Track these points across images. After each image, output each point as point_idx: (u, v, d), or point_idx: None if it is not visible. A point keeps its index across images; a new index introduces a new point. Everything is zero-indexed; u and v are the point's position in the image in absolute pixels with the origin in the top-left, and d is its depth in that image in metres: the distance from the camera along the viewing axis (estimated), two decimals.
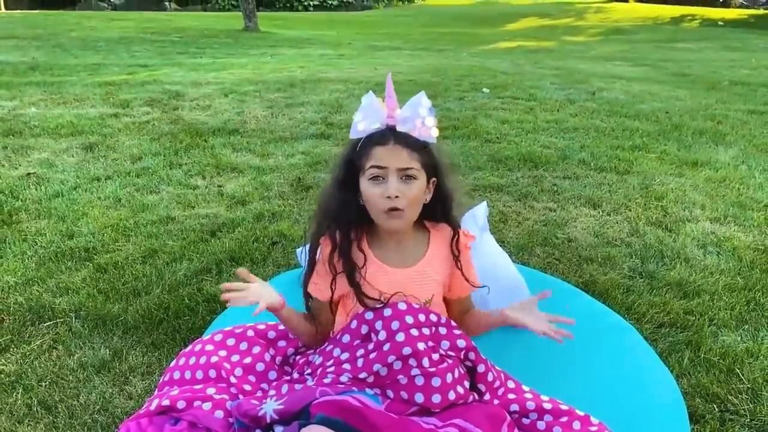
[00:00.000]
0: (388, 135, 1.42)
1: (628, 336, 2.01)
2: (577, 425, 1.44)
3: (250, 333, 1.75)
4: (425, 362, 1.38)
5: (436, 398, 1.37)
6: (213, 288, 2.49)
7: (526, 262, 2.72)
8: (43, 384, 1.95)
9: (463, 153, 4.16)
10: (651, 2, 28.33)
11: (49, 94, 5.81)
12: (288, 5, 22.06)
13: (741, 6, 28.40)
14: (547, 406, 1.47)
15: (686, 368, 2.08)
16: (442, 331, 1.48)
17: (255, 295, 1.42)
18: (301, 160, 4.06)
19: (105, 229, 3.02)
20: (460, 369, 1.46)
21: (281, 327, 1.79)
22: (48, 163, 3.94)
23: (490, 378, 1.49)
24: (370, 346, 1.43)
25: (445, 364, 1.42)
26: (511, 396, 1.50)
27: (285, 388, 1.47)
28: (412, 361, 1.38)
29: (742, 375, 2.03)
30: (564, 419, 1.45)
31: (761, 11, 24.36)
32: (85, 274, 2.60)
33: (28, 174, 3.73)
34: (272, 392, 1.45)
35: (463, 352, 1.48)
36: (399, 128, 1.42)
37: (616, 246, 2.93)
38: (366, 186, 1.43)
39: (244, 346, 1.69)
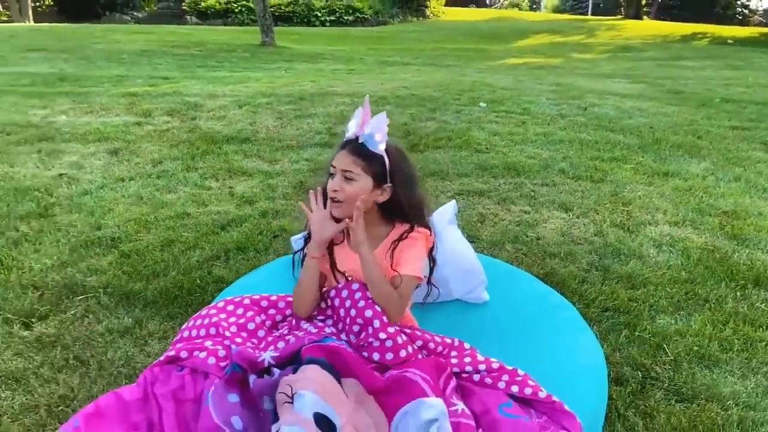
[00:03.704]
0: (349, 142, 1.77)
1: (567, 313, 2.36)
2: (505, 377, 1.79)
3: (246, 301, 2.13)
4: (376, 323, 1.75)
5: (389, 356, 1.73)
6: (221, 271, 2.89)
7: (495, 256, 3.08)
8: (78, 344, 2.35)
9: (453, 161, 4.54)
10: (667, 19, 28.63)
11: (77, 103, 6.29)
12: (305, 20, 22.61)
13: (759, 24, 28.54)
14: (482, 367, 1.79)
15: (621, 344, 2.42)
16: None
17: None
18: (305, 166, 4.47)
19: (128, 222, 3.43)
20: (403, 336, 1.81)
21: (273, 298, 2.18)
22: (77, 165, 4.39)
23: (431, 346, 1.84)
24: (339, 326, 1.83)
25: (393, 330, 1.79)
26: (453, 360, 1.83)
27: (281, 344, 1.85)
28: (369, 330, 1.75)
29: (668, 350, 2.38)
30: (495, 373, 1.81)
31: None
32: (111, 259, 3.01)
33: (61, 174, 4.17)
34: (271, 348, 1.83)
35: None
36: (361, 139, 1.75)
37: (580, 244, 3.28)
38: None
39: (240, 311, 2.07)
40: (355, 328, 1.77)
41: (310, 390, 1.49)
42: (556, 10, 40.36)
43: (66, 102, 6.36)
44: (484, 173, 4.31)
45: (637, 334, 2.48)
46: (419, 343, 1.81)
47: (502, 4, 47.17)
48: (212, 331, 1.98)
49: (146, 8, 24.07)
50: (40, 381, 2.14)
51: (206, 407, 1.69)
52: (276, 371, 1.67)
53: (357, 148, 1.76)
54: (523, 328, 2.24)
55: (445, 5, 29.00)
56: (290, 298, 2.17)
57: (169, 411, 1.73)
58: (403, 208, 1.86)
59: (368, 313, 1.76)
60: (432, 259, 2.00)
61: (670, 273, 2.97)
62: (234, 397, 1.66)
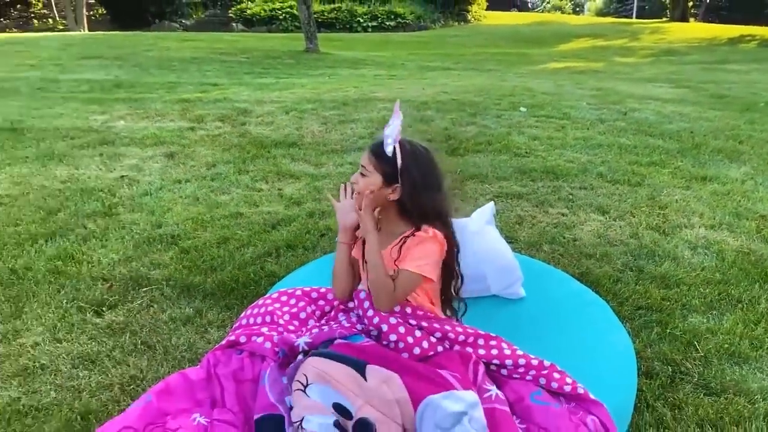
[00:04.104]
0: (374, 143, 1.94)
1: (600, 309, 2.48)
2: (532, 373, 1.88)
3: (298, 292, 2.33)
4: (384, 327, 1.90)
5: (405, 355, 1.87)
6: (273, 267, 3.10)
7: (532, 256, 3.21)
8: (144, 330, 2.58)
9: (492, 165, 4.68)
10: (716, 21, 28.02)
11: (133, 109, 6.64)
12: (347, 26, 22.93)
13: None
14: (509, 362, 1.90)
15: (653, 340, 2.53)
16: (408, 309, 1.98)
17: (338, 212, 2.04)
18: (349, 169, 4.66)
19: (186, 221, 3.67)
20: (416, 333, 1.92)
21: (322, 290, 2.36)
22: (137, 167, 4.68)
23: (451, 336, 1.94)
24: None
25: (403, 330, 1.91)
26: (481, 351, 1.94)
27: (315, 330, 2.03)
28: (381, 332, 1.91)
29: (699, 347, 2.48)
30: (521, 369, 1.90)
31: None
32: (172, 254, 3.25)
33: (122, 176, 4.46)
34: (307, 334, 2.01)
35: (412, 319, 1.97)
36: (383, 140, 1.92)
37: (615, 246, 3.38)
38: None
39: (292, 301, 2.26)
40: (374, 332, 1.94)
41: (323, 382, 1.65)
42: (600, 13, 39.91)
43: (123, 108, 6.72)
44: (523, 176, 4.43)
45: (668, 331, 2.58)
46: (438, 335, 1.93)
47: (544, 8, 46.86)
48: (268, 318, 2.18)
49: (194, 16, 24.75)
50: (113, 363, 2.36)
51: (263, 387, 1.89)
52: (300, 357, 1.85)
53: (376, 147, 1.91)
54: (557, 322, 2.37)
55: (486, 9, 29.00)
56: None
57: (230, 389, 1.93)
58: (407, 209, 1.96)
59: (375, 320, 1.91)
60: (452, 262, 2.04)
61: (704, 274, 3.06)
62: (286, 380, 1.85)
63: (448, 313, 2.14)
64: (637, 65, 13.11)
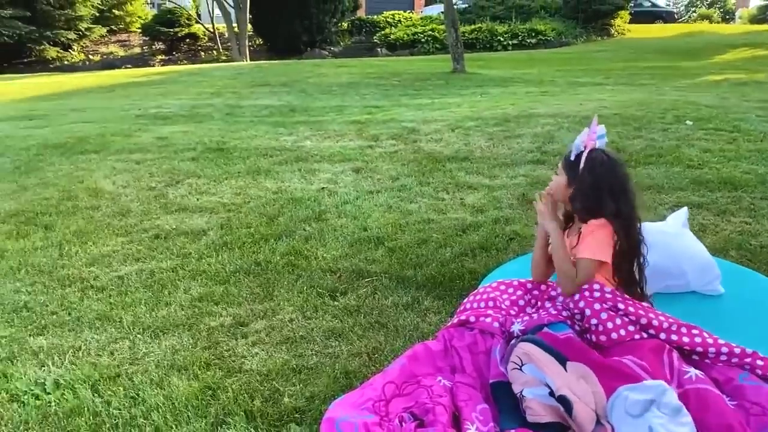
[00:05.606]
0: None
1: None
2: (735, 360, 2.08)
3: (515, 282, 2.70)
4: (587, 312, 2.20)
5: (602, 338, 2.16)
6: (471, 265, 3.49)
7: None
8: (374, 312, 3.04)
9: (666, 176, 4.80)
10: None
11: (315, 130, 7.39)
12: (488, 46, 23.30)
13: None
14: (711, 350, 2.11)
15: None
16: (608, 295, 2.26)
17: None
18: (523, 181, 4.99)
19: (386, 225, 4.17)
20: (617, 320, 2.19)
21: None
22: (332, 180, 5.30)
23: (655, 323, 2.19)
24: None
25: (605, 315, 2.19)
26: (685, 339, 2.16)
27: (527, 318, 2.38)
28: (585, 316, 2.21)
29: None
30: (724, 356, 2.11)
31: None
32: (381, 252, 3.74)
33: (322, 188, 5.08)
34: (518, 321, 2.37)
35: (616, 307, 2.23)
36: None
37: None
38: None
39: (510, 290, 2.63)
40: (577, 316, 2.25)
41: (533, 363, 1.99)
42: (754, 20, 37.02)
43: (305, 129, 7.50)
44: (700, 187, 4.53)
45: None
46: (643, 321, 2.19)
47: (689, 17, 44.45)
48: (491, 304, 2.56)
49: (341, 43, 26.26)
50: (356, 336, 2.84)
51: (494, 359, 2.27)
52: (513, 342, 2.19)
53: (569, 152, 2.35)
54: (757, 317, 2.55)
55: (629, 23, 28.16)
56: (549, 281, 2.70)
57: (467, 359, 2.33)
58: (573, 208, 2.36)
59: (581, 303, 2.23)
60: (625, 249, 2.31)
61: None
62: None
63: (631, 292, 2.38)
64: None
